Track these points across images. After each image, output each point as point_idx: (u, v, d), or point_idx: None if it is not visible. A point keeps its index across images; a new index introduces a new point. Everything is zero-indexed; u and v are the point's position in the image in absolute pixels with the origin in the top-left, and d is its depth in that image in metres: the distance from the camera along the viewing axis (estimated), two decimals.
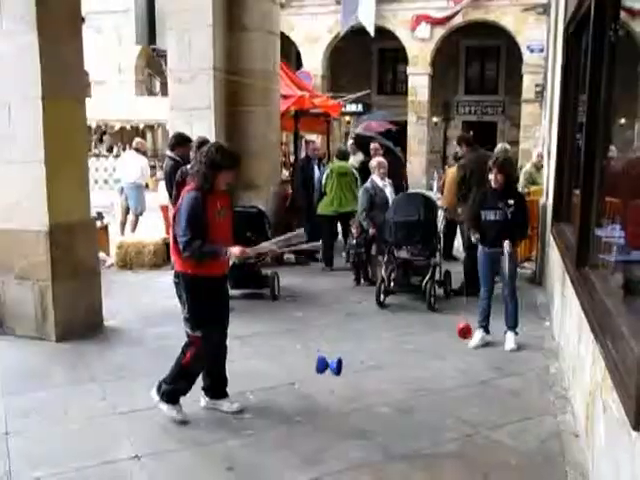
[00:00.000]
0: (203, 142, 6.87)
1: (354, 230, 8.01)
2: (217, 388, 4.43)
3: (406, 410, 4.47)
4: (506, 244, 5.53)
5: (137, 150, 11.33)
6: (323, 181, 8.85)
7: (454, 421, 4.27)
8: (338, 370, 4.40)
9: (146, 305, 7.05)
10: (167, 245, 8.93)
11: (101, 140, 19.59)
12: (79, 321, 5.93)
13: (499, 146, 9.94)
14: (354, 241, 7.96)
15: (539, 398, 4.67)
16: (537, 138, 18.19)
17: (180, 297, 4.24)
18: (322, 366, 4.43)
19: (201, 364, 4.26)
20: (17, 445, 3.92)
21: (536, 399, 4.66)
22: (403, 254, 7.24)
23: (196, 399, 4.46)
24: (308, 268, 9.04)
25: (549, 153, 8.01)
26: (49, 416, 4.31)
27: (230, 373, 5.07)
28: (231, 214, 4.33)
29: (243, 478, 3.60)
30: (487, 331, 5.84)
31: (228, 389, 4.51)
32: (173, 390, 4.22)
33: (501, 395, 4.75)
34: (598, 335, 3.38)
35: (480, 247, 5.86)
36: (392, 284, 7.18)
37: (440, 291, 7.26)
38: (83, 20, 6.54)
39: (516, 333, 5.78)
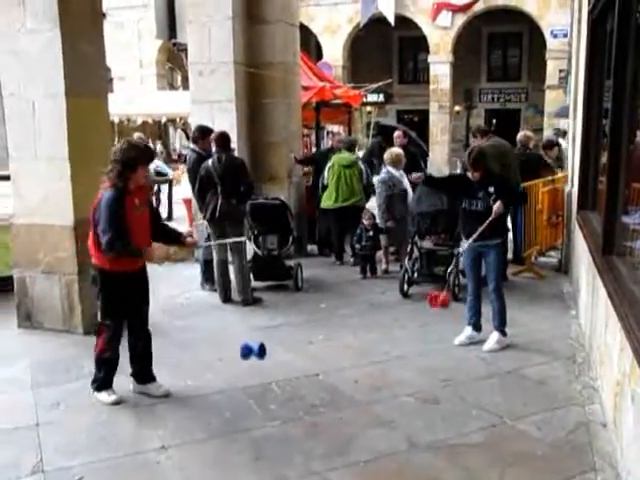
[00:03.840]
0: (223, 136, 6.88)
1: (366, 222, 7.98)
2: (143, 373, 4.62)
3: (431, 400, 4.46)
4: (497, 205, 5.20)
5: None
6: (325, 174, 8.67)
7: (479, 411, 4.26)
8: (261, 354, 4.34)
9: (171, 297, 7.11)
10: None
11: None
12: None
13: (520, 133, 9.79)
14: (370, 233, 7.93)
15: (566, 388, 4.63)
16: (562, 124, 17.94)
17: (96, 286, 4.47)
18: (246, 351, 4.37)
19: (114, 348, 4.45)
20: (47, 436, 4.00)
21: (563, 389, 4.61)
22: (426, 244, 7.21)
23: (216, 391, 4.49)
24: (330, 259, 9.02)
25: (574, 139, 7.89)
26: (78, 407, 4.39)
27: (254, 364, 5.12)
28: (148, 210, 4.47)
29: (270, 469, 3.62)
30: (477, 329, 5.59)
31: (251, 381, 4.55)
32: (99, 379, 4.49)
33: (527, 385, 4.72)
34: (625, 324, 3.34)
35: (463, 240, 5.64)
36: (415, 274, 7.16)
37: (464, 280, 7.21)
38: (104, 16, 6.59)
39: (503, 333, 5.45)
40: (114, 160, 4.17)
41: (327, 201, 8.65)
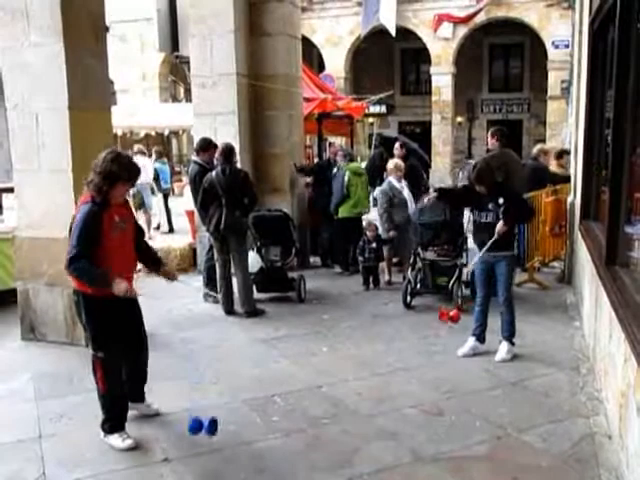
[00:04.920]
0: (228, 149, 6.91)
1: (369, 233, 8.00)
2: (134, 393, 4.33)
3: (434, 412, 4.43)
4: (499, 226, 5.23)
5: (142, 153, 12.97)
6: (345, 183, 8.63)
7: (483, 423, 4.23)
8: (211, 429, 3.87)
9: (173, 310, 7.11)
10: (194, 250, 9.02)
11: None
12: None
13: (537, 147, 9.85)
14: (374, 244, 7.94)
15: (570, 399, 4.60)
16: (564, 135, 17.99)
17: (80, 316, 4.04)
18: (195, 426, 3.87)
19: (116, 382, 4.06)
20: (50, 448, 3.99)
21: (567, 400, 4.59)
22: (429, 255, 7.21)
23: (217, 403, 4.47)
24: (333, 271, 9.02)
25: (576, 150, 7.90)
26: (81, 420, 4.37)
27: (257, 376, 5.11)
28: (132, 227, 4.09)
29: None
30: (481, 340, 5.58)
31: (254, 393, 4.53)
32: (111, 419, 4.04)
33: (531, 396, 4.69)
34: (629, 334, 3.33)
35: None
36: (419, 285, 7.15)
37: (467, 292, 7.21)
38: (107, 29, 6.63)
39: (512, 343, 5.46)
40: (94, 171, 3.81)
41: (354, 209, 8.69)
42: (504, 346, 5.45)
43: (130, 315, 4.14)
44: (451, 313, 5.77)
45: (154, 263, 4.37)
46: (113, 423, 4.04)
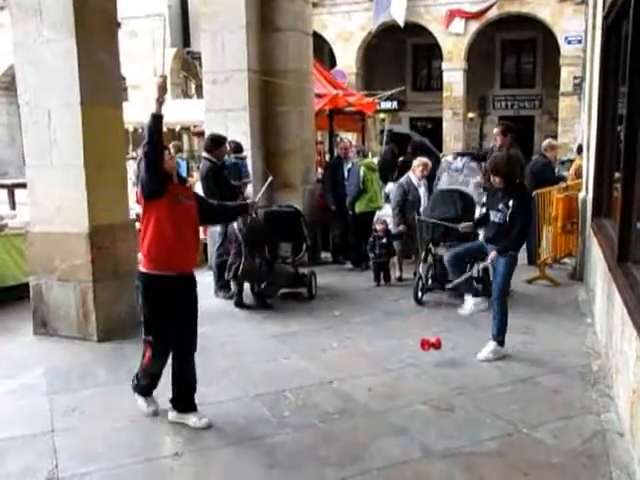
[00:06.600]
0: (238, 146, 6.94)
1: (378, 227, 7.99)
2: (183, 401, 4.25)
3: (445, 408, 4.43)
4: (492, 255, 5.29)
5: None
6: (361, 178, 8.69)
7: (494, 419, 4.23)
8: None
9: None
10: (204, 245, 9.04)
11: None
12: (120, 321, 6.04)
13: (546, 141, 9.81)
14: (384, 240, 7.93)
15: (581, 396, 4.59)
16: (576, 131, 17.87)
17: (138, 299, 4.23)
18: None
19: (159, 366, 4.24)
20: (63, 442, 4.02)
21: (578, 397, 4.57)
22: (441, 251, 7.20)
23: (229, 397, 4.50)
24: (344, 267, 9.03)
25: (588, 146, 7.85)
26: (93, 414, 4.41)
27: (268, 372, 5.12)
28: (195, 205, 4.21)
29: (284, 476, 3.62)
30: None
31: (265, 388, 4.54)
32: (141, 385, 4.35)
33: (542, 393, 4.68)
34: None
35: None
36: (430, 281, 7.14)
37: (478, 288, 7.18)
38: (119, 25, 6.66)
39: (500, 344, 5.36)
40: None
41: (371, 203, 8.80)
42: (489, 345, 5.37)
43: (186, 299, 4.20)
44: (432, 340, 5.44)
45: (237, 211, 5.07)
46: (141, 388, 4.34)
